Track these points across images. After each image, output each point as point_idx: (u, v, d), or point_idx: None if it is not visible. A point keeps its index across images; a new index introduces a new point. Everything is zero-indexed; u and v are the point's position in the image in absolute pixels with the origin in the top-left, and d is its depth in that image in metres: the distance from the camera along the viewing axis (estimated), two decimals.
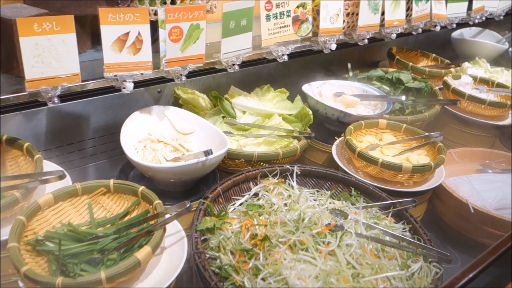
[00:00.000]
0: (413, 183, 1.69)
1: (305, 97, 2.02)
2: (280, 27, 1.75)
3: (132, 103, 1.83)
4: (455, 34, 3.04)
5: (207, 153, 1.37)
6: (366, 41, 2.09)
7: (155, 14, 1.40)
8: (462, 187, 1.72)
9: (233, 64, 1.66)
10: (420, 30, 2.33)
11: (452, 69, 2.54)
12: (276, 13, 1.71)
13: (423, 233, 1.40)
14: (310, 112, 1.90)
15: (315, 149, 1.98)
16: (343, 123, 1.93)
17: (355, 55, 2.63)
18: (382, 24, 2.14)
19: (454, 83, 2.36)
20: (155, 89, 1.88)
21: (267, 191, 1.52)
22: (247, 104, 1.90)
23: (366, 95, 2.10)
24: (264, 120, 1.92)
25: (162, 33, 1.43)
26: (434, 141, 1.79)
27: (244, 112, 1.92)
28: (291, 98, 2.01)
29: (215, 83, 2.06)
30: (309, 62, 2.41)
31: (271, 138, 1.80)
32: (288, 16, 1.76)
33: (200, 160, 1.39)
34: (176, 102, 1.92)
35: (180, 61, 1.51)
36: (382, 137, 1.90)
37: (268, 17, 1.69)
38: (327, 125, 2.05)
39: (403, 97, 2.02)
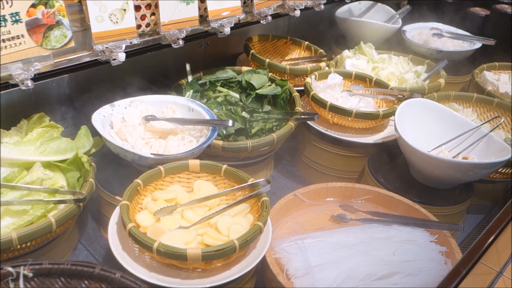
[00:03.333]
0: (221, 265, 1.15)
1: None
2: (4, 40, 1.12)
3: None
4: (340, 11, 2.49)
5: None
6: (181, 42, 1.49)
7: None
8: (294, 260, 1.19)
9: None
10: (269, 18, 1.75)
11: (323, 63, 1.99)
12: None
13: None
14: (85, 158, 1.30)
15: (113, 205, 1.40)
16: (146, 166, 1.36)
17: (201, 51, 2.03)
18: (207, 16, 1.55)
19: (317, 86, 1.82)
20: None
21: None
22: None
23: (182, 119, 1.52)
24: (21, 172, 1.31)
25: None
26: (259, 193, 1.25)
27: None
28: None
29: None
30: (135, 66, 1.80)
31: (19, 206, 1.20)
32: (16, 22, 1.13)
33: None
34: None
35: None
36: (194, 185, 1.34)
37: None
38: (138, 167, 1.47)
39: (230, 122, 1.45)
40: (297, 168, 1.88)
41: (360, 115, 1.64)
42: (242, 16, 1.64)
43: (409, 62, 2.20)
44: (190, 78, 1.85)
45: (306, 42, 2.19)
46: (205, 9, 1.53)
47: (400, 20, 2.47)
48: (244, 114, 1.76)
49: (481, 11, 2.46)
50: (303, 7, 1.86)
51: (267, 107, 1.82)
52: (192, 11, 1.48)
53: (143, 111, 1.55)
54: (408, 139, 1.44)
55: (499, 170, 1.58)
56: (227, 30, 1.61)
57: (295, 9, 1.86)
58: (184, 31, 1.49)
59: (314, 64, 2.04)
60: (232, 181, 1.34)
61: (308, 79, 1.82)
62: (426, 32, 2.43)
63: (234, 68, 1.92)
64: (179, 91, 1.78)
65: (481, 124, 1.60)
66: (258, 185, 1.28)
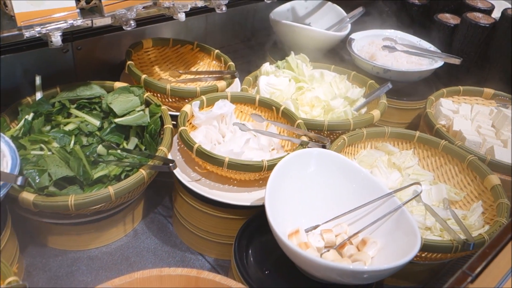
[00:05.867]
0: None
1: None
2: None
3: None
4: (277, 12, 2.02)
5: None
6: None
7: None
8: None
9: None
10: (133, 24, 1.29)
11: (222, 83, 1.54)
12: None
13: None
14: None
15: None
16: None
17: (68, 59, 1.59)
18: None
19: (199, 117, 1.37)
20: None
21: None
22: None
23: None
24: None
25: None
26: None
27: None
28: None
29: None
30: None
31: None
32: None
33: None
34: None
35: None
36: None
37: None
38: None
39: (20, 179, 1.01)
40: (173, 221, 1.44)
41: (235, 166, 1.19)
42: (79, 21, 1.19)
43: (347, 81, 1.73)
44: (39, 95, 1.42)
45: (217, 51, 1.73)
46: None
47: (349, 26, 1.99)
48: (100, 148, 1.33)
49: (451, 19, 1.97)
50: (188, 10, 1.39)
51: (134, 141, 1.39)
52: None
53: None
54: (273, 215, 0.99)
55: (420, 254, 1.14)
56: (56, 40, 1.17)
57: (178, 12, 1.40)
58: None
59: (213, 83, 1.58)
60: None
61: (186, 107, 1.37)
62: (378, 43, 1.95)
63: (105, 84, 1.48)
64: (16, 114, 1.36)
65: (394, 192, 1.14)
66: None
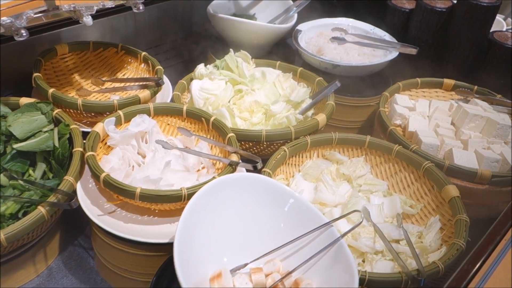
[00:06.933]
0: None
1: None
2: None
3: None
4: (216, 4, 1.82)
5: None
6: None
7: None
8: None
9: None
10: (24, 33, 1.09)
11: (146, 92, 1.35)
12: None
13: None
14: None
15: None
16: None
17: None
18: None
19: (114, 138, 1.18)
20: None
21: None
22: None
23: None
24: None
25: None
26: None
27: None
28: None
29: None
30: None
31: None
32: None
33: None
34: None
35: None
36: None
37: None
38: None
39: None
40: (94, 254, 1.26)
41: (148, 198, 1.02)
42: None
43: (292, 80, 1.55)
44: None
45: (144, 53, 1.53)
46: None
47: (295, 16, 1.81)
48: (1, 178, 1.14)
49: (406, 4, 1.80)
50: (94, 12, 1.19)
51: (41, 168, 1.20)
52: None
53: None
54: (184, 260, 0.83)
55: None
56: None
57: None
58: None
59: (135, 92, 1.39)
60: None
61: (97, 126, 1.18)
62: (327, 34, 1.77)
63: (9, 100, 1.28)
64: None
65: (332, 222, 0.97)
66: None
